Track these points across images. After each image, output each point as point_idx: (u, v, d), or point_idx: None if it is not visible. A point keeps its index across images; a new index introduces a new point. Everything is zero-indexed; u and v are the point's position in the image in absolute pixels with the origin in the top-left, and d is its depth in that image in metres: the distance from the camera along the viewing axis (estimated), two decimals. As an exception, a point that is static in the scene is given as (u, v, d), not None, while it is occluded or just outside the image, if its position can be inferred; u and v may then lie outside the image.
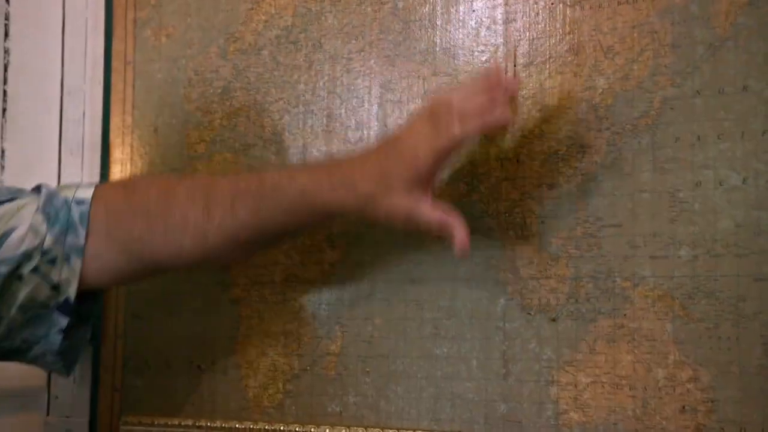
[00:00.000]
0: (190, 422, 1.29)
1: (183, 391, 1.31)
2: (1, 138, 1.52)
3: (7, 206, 1.03)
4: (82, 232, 1.02)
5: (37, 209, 1.03)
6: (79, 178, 1.44)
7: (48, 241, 1.02)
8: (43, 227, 1.02)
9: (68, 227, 1.03)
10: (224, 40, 1.34)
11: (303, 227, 1.13)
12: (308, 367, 1.23)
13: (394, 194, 1.00)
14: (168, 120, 1.37)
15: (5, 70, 1.53)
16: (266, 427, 1.24)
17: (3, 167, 1.52)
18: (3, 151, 1.52)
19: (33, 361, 1.09)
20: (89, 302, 1.10)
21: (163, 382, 1.32)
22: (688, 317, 1.03)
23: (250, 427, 1.25)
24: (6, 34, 1.53)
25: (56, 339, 1.06)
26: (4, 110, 1.52)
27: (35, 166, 1.49)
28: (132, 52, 1.40)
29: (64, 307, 1.04)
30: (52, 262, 1.02)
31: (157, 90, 1.38)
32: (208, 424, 1.27)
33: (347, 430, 1.18)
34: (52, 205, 1.04)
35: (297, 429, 1.22)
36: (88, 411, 1.37)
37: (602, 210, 1.08)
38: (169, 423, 1.30)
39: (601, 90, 1.09)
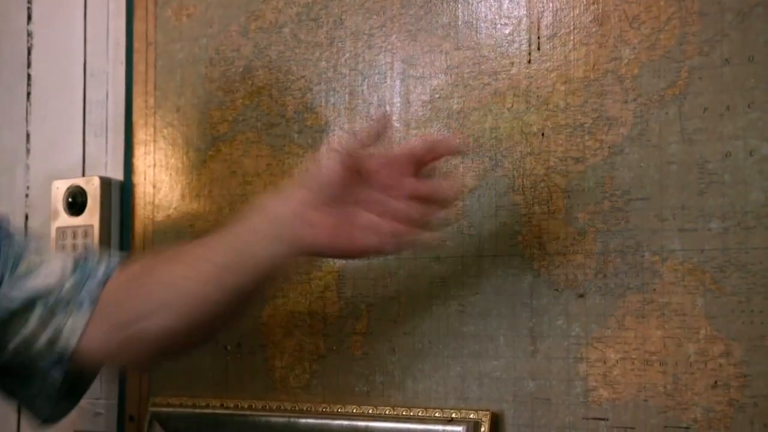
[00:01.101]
0: (217, 403, 1.28)
1: (210, 372, 1.31)
2: (26, 121, 1.53)
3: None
4: (98, 289, 1.00)
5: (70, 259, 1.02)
6: (104, 160, 1.45)
7: (68, 284, 0.99)
8: (68, 269, 1.00)
9: (89, 276, 1.00)
10: (245, 19, 1.32)
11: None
12: (334, 347, 1.22)
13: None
14: (190, 100, 1.36)
15: (29, 53, 1.53)
16: (293, 407, 1.23)
17: (29, 150, 1.52)
18: (28, 135, 1.52)
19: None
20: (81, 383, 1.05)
21: (191, 363, 1.32)
22: (720, 291, 1.00)
23: (277, 407, 1.24)
24: (29, 18, 1.53)
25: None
26: (29, 94, 1.53)
27: (60, 148, 1.49)
28: (153, 33, 1.39)
29: (59, 362, 0.99)
30: (66, 304, 0.98)
31: (178, 70, 1.37)
32: (235, 404, 1.27)
33: (374, 409, 1.17)
34: (83, 259, 1.03)
35: (324, 409, 1.21)
36: (117, 393, 1.38)
37: (629, 183, 1.06)
38: (197, 404, 1.30)
39: (626, 60, 1.06)
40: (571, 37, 1.10)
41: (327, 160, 0.93)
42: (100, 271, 1.01)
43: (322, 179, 0.94)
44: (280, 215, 0.94)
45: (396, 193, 0.93)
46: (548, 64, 1.11)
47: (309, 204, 0.93)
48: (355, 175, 0.93)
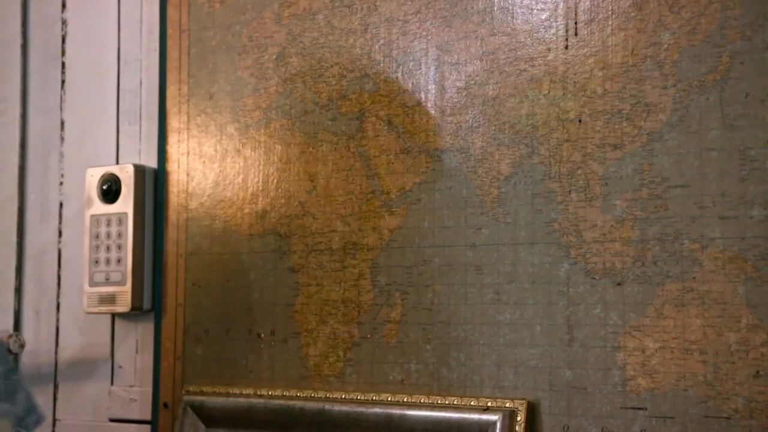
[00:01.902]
0: (250, 391, 1.28)
1: (243, 359, 1.31)
2: (61, 109, 1.53)
3: None
4: None
5: None
6: (137, 147, 1.45)
7: None
8: None
9: None
10: (278, 5, 1.32)
11: None
12: (368, 335, 1.22)
13: None
14: (223, 87, 1.36)
15: (63, 41, 1.53)
16: (327, 396, 1.23)
17: (63, 138, 1.53)
18: (63, 123, 1.53)
19: None
20: None
21: (223, 351, 1.32)
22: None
23: (310, 396, 1.24)
24: (63, 6, 1.54)
25: None
26: (63, 82, 1.53)
27: (94, 136, 1.49)
28: (187, 20, 1.39)
29: None
30: None
31: (212, 57, 1.37)
32: (269, 392, 1.27)
33: (409, 398, 1.17)
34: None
35: (358, 397, 1.20)
36: (152, 380, 1.38)
37: (668, 170, 1.04)
38: (230, 392, 1.30)
39: (666, 45, 1.05)
40: (610, 23, 1.08)
41: None
42: None
43: None
44: None
45: None
46: (586, 49, 1.10)
47: None
48: None
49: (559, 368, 1.09)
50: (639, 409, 1.04)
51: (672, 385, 1.02)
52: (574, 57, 1.10)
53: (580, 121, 1.10)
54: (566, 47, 1.11)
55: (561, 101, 1.11)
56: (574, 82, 1.10)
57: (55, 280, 1.50)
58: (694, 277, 1.02)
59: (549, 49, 1.12)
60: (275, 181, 1.30)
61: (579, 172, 1.09)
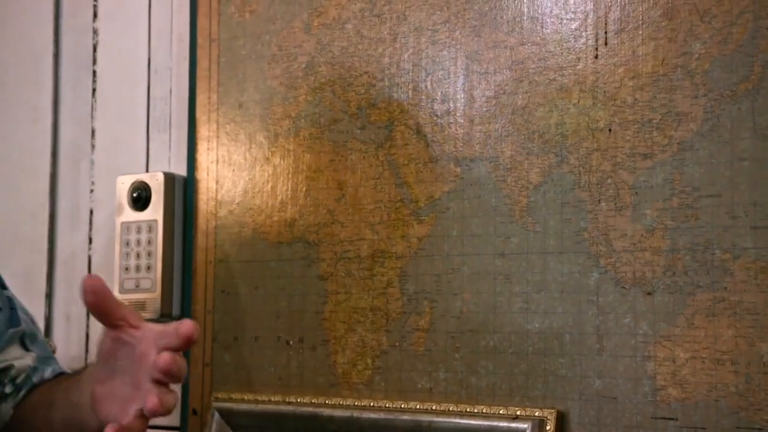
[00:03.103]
0: (279, 398, 1.29)
1: (271, 366, 1.31)
2: (92, 117, 1.54)
3: None
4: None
5: None
6: (167, 155, 1.46)
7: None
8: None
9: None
10: (308, 15, 1.33)
11: None
12: (397, 343, 1.22)
13: None
14: (253, 96, 1.37)
15: (94, 50, 1.55)
16: (355, 404, 1.23)
17: (93, 146, 1.54)
18: (93, 131, 1.54)
19: None
20: None
21: (252, 358, 1.33)
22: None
23: (339, 403, 1.24)
24: (95, 15, 1.55)
25: None
26: (94, 90, 1.55)
27: (124, 144, 1.51)
28: (217, 29, 1.40)
29: None
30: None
31: (241, 66, 1.38)
32: (298, 399, 1.27)
33: (437, 406, 1.17)
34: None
35: (386, 405, 1.21)
36: (180, 387, 1.39)
37: (699, 179, 1.04)
38: (259, 399, 1.30)
39: (697, 55, 1.05)
40: (640, 32, 1.08)
41: (101, 337, 0.92)
42: (36, 378, 1.12)
43: (100, 355, 0.92)
44: (89, 391, 0.94)
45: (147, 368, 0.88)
46: (616, 59, 1.10)
47: (96, 379, 0.92)
48: (126, 347, 0.89)
49: (588, 377, 1.09)
50: (670, 419, 1.04)
51: (703, 395, 1.02)
52: (604, 66, 1.10)
53: (610, 130, 1.10)
54: (596, 56, 1.11)
55: (591, 110, 1.11)
56: (604, 91, 1.10)
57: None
58: (725, 287, 1.02)
59: (579, 59, 1.12)
60: (304, 189, 1.31)
61: (609, 181, 1.09)
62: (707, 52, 1.04)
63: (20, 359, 1.12)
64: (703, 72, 1.04)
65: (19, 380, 1.12)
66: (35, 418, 1.08)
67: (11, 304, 1.14)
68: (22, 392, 1.12)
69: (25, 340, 1.13)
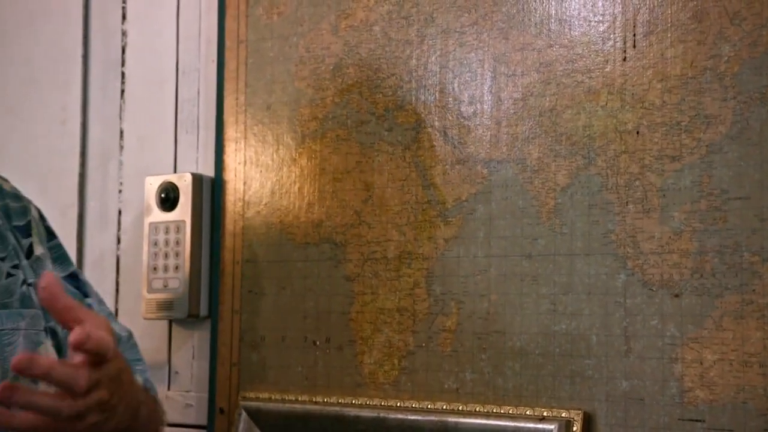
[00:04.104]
0: (306, 398, 1.30)
1: (298, 366, 1.32)
2: (120, 118, 1.56)
3: None
4: None
5: None
6: (195, 156, 1.47)
7: None
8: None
9: None
10: (335, 17, 1.34)
11: None
12: (424, 344, 1.23)
13: None
14: (280, 97, 1.38)
15: (123, 52, 1.56)
16: (382, 404, 1.24)
17: (122, 147, 1.55)
18: (122, 132, 1.56)
19: None
20: None
21: (279, 358, 1.34)
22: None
23: (365, 403, 1.25)
24: (124, 17, 1.57)
25: None
26: (123, 91, 1.56)
27: (152, 145, 1.52)
28: (245, 31, 1.41)
29: None
30: None
31: (269, 68, 1.39)
32: (324, 399, 1.28)
33: (464, 406, 1.18)
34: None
35: (413, 405, 1.21)
36: (208, 386, 1.40)
37: (728, 182, 1.04)
38: (286, 398, 1.31)
39: (726, 58, 1.05)
40: (669, 35, 1.09)
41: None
42: None
43: None
44: None
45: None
46: (644, 61, 1.10)
47: None
48: None
49: (615, 379, 1.09)
50: (697, 421, 1.04)
51: (731, 397, 1.02)
52: (632, 69, 1.11)
53: (638, 132, 1.10)
54: (624, 59, 1.11)
55: (619, 113, 1.11)
56: (632, 93, 1.10)
57: (114, 287, 1.53)
58: (753, 290, 1.02)
59: (607, 61, 1.12)
60: (331, 190, 1.32)
61: (636, 183, 1.10)
62: (737, 54, 1.04)
63: None
64: (732, 75, 1.04)
65: None
66: None
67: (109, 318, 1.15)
68: None
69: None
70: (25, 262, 1.08)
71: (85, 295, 1.14)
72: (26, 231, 1.11)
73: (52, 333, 1.07)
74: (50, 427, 0.82)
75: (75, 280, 1.14)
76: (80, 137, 1.58)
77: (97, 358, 0.83)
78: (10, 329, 1.00)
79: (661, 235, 1.08)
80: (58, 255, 1.14)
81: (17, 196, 1.12)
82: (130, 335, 1.16)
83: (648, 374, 1.07)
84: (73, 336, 0.80)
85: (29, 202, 1.14)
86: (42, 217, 1.15)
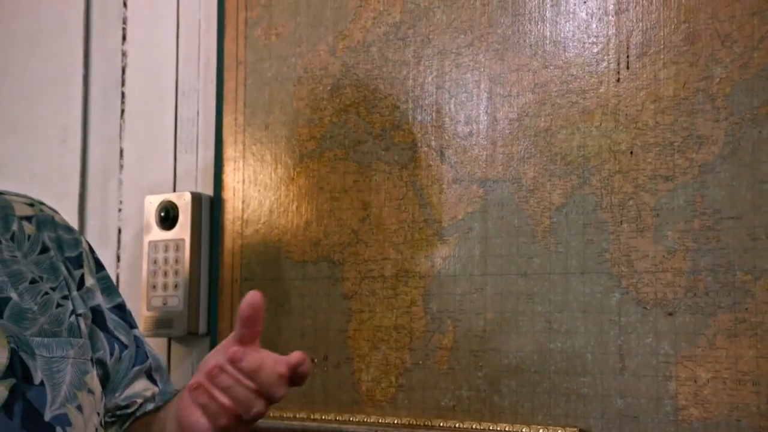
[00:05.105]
0: (304, 415, 1.31)
1: (297, 384, 1.33)
2: (120, 138, 1.57)
3: None
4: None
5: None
6: (194, 175, 1.48)
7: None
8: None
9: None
10: (333, 38, 1.35)
11: None
12: (420, 362, 1.24)
13: None
14: (279, 117, 1.39)
15: (123, 72, 1.58)
16: (379, 421, 1.25)
17: (122, 166, 1.57)
18: (122, 151, 1.57)
19: None
20: None
21: (277, 375, 1.35)
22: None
23: (363, 420, 1.26)
24: (124, 38, 1.58)
25: None
26: (123, 111, 1.57)
27: (152, 164, 1.53)
28: (243, 52, 1.43)
29: None
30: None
31: (267, 88, 1.40)
32: (322, 416, 1.29)
33: (460, 424, 1.19)
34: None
35: (410, 422, 1.22)
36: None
37: (720, 202, 1.05)
38: (284, 415, 1.32)
39: (718, 79, 1.07)
40: (661, 56, 1.10)
41: (216, 348, 0.96)
42: (150, 406, 1.14)
43: (205, 364, 0.96)
44: (178, 400, 1.00)
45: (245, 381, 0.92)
46: (637, 82, 1.11)
47: (189, 387, 0.96)
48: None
49: (610, 397, 1.10)
50: (691, 438, 1.05)
51: (725, 415, 1.03)
52: (625, 90, 1.12)
53: (631, 152, 1.11)
54: (618, 80, 1.13)
55: (613, 133, 1.13)
56: (626, 114, 1.12)
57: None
58: (746, 308, 1.03)
59: (601, 82, 1.14)
60: (329, 209, 1.33)
61: (630, 203, 1.11)
62: (728, 76, 1.06)
63: (145, 392, 1.15)
64: (724, 96, 1.06)
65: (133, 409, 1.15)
66: None
67: (137, 343, 1.17)
68: (128, 422, 1.15)
69: (153, 374, 1.16)
70: (75, 293, 1.11)
71: (131, 326, 1.16)
72: (78, 262, 1.13)
73: (99, 363, 1.10)
74: (232, 419, 0.90)
75: (121, 311, 1.17)
76: (80, 156, 1.60)
77: (296, 380, 0.92)
78: (60, 357, 1.03)
79: (655, 254, 1.09)
80: (106, 286, 1.17)
81: (68, 228, 1.15)
82: None
83: (642, 392, 1.08)
84: (297, 356, 0.91)
85: (80, 234, 1.17)
86: (91, 249, 1.17)
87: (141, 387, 1.14)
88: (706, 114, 1.07)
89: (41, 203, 1.16)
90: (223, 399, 0.90)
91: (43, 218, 1.13)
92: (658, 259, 1.09)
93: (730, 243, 1.04)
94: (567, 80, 1.16)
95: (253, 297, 0.92)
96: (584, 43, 1.16)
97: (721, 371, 1.04)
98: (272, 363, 0.91)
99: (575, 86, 1.16)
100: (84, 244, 1.16)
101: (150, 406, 1.15)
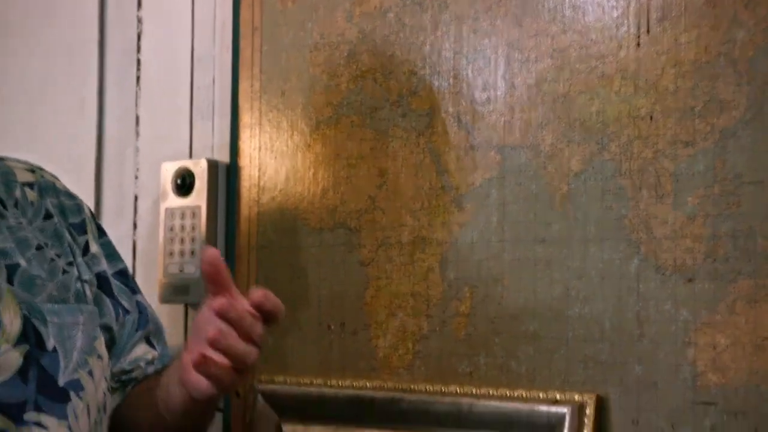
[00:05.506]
0: (321, 381, 1.31)
1: (313, 350, 1.33)
2: (136, 105, 1.57)
3: None
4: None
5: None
6: (210, 143, 1.48)
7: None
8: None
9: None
10: (350, 3, 1.34)
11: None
12: (437, 328, 1.24)
13: None
14: (295, 84, 1.38)
15: (138, 39, 1.57)
16: (396, 387, 1.25)
17: (138, 134, 1.57)
18: (138, 118, 1.57)
19: None
20: None
21: (294, 342, 1.35)
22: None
23: (380, 387, 1.26)
24: (139, 4, 1.57)
25: None
26: (138, 78, 1.57)
27: (168, 131, 1.53)
28: (259, 18, 1.42)
29: None
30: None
31: (283, 55, 1.40)
32: (339, 383, 1.30)
33: (477, 390, 1.19)
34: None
35: (427, 389, 1.22)
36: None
37: (742, 167, 1.04)
38: (301, 382, 1.32)
39: (740, 43, 1.05)
40: (682, 20, 1.09)
41: (200, 308, 0.98)
42: (151, 369, 1.16)
43: (196, 325, 0.97)
44: (177, 362, 1.01)
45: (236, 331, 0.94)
46: (658, 47, 1.10)
47: (186, 349, 0.97)
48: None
49: (628, 363, 1.10)
50: (710, 404, 1.04)
51: (744, 381, 1.03)
52: (646, 54, 1.11)
53: (651, 118, 1.10)
54: (638, 45, 1.12)
55: (632, 98, 1.12)
56: (646, 79, 1.11)
57: (131, 272, 1.54)
58: (767, 274, 1.02)
59: (620, 47, 1.13)
60: (345, 176, 1.33)
61: (650, 168, 1.10)
62: (751, 39, 1.04)
63: (146, 355, 1.16)
64: (746, 59, 1.05)
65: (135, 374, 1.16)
66: (139, 405, 1.14)
67: (140, 308, 1.18)
68: (129, 386, 1.16)
69: (151, 339, 1.17)
70: (80, 259, 1.11)
71: (133, 291, 1.17)
72: (82, 228, 1.14)
73: (105, 328, 1.10)
74: (233, 375, 0.93)
75: (124, 277, 1.18)
76: (97, 124, 1.60)
77: (269, 318, 0.96)
78: (70, 323, 1.04)
79: (674, 220, 1.08)
80: (109, 252, 1.18)
81: (70, 194, 1.15)
82: None
83: (661, 358, 1.08)
84: (257, 296, 0.95)
85: (81, 200, 1.17)
86: (93, 215, 1.17)
87: (142, 351, 1.15)
88: (727, 78, 1.06)
89: (41, 169, 1.16)
90: (225, 360, 0.92)
91: (45, 184, 1.13)
92: (677, 225, 1.08)
93: (751, 208, 1.03)
94: (586, 45, 1.15)
95: (209, 255, 0.94)
96: (604, 7, 1.14)
97: (740, 337, 1.03)
98: (246, 305, 0.94)
99: (594, 51, 1.14)
100: (86, 210, 1.16)
101: (151, 370, 1.15)
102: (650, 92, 1.10)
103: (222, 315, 0.92)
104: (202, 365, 0.91)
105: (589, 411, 1.10)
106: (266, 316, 0.95)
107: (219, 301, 0.93)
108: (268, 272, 1.38)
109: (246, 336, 0.93)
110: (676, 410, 1.06)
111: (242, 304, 0.94)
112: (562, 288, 1.15)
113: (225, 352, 0.92)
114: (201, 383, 0.92)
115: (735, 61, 1.05)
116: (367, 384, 1.27)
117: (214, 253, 0.94)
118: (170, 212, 1.45)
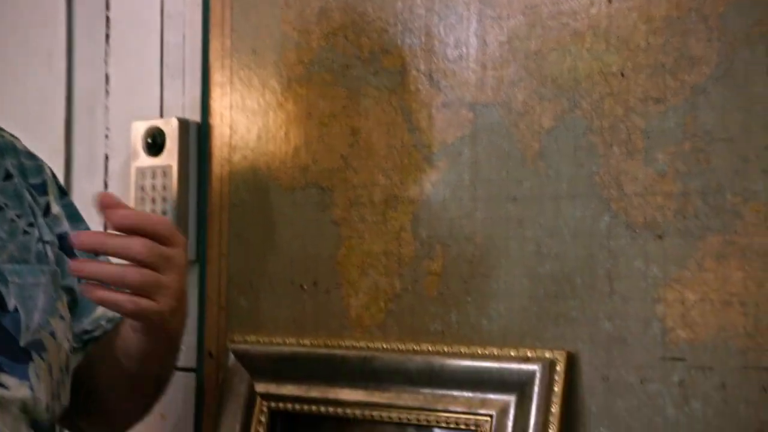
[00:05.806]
0: (293, 340, 1.31)
1: (286, 310, 1.33)
2: (105, 63, 1.55)
3: None
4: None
5: None
6: (181, 102, 1.47)
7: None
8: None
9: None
10: (321, -40, 1.32)
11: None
12: (409, 287, 1.24)
13: None
14: (266, 42, 1.37)
15: (108, -5, 1.55)
16: (368, 345, 1.25)
17: (108, 92, 1.55)
18: (107, 76, 1.55)
19: None
20: None
21: (267, 301, 1.35)
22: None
23: (352, 345, 1.26)
24: (108, -40, 1.55)
25: None
26: (108, 36, 1.55)
27: (138, 90, 1.52)
28: (229, -26, 1.40)
29: None
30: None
31: (254, 12, 1.38)
32: (312, 342, 1.30)
33: (449, 348, 1.19)
34: None
35: (399, 347, 1.23)
36: (196, 329, 1.41)
37: (712, 124, 1.04)
38: (274, 341, 1.32)
39: (711, -2, 1.05)
40: (654, -25, 1.08)
41: None
42: (110, 326, 1.17)
43: None
44: None
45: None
46: (629, 3, 1.09)
47: None
48: None
49: (599, 320, 1.10)
50: (678, 359, 1.05)
51: (712, 336, 1.03)
52: (617, 11, 1.10)
53: (622, 74, 1.10)
54: (609, 1, 1.11)
55: (604, 55, 1.11)
56: (617, 36, 1.10)
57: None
58: (735, 231, 1.02)
59: (592, 3, 1.12)
60: (317, 134, 1.32)
61: (621, 125, 1.10)
62: (722, -5, 1.04)
63: (107, 314, 1.16)
64: (717, 15, 1.04)
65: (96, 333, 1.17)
66: (97, 359, 1.15)
67: None
68: (90, 345, 1.16)
69: None
70: (41, 220, 1.10)
71: (96, 253, 1.15)
72: (43, 189, 1.12)
73: (67, 290, 1.10)
74: (132, 302, 0.94)
75: None
76: (65, 82, 1.58)
77: (155, 236, 0.95)
78: (31, 284, 1.03)
79: (644, 177, 1.08)
80: (71, 213, 1.17)
81: (31, 154, 1.14)
82: None
83: (631, 315, 1.08)
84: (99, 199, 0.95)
85: (42, 161, 1.15)
86: (54, 176, 1.16)
87: (103, 310, 1.15)
88: (698, 34, 1.05)
89: (2, 129, 1.15)
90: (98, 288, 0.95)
91: (4, 145, 1.12)
92: (648, 182, 1.08)
93: (721, 165, 1.03)
94: (558, 2, 1.14)
95: (102, 198, 0.96)
96: (576, -38, 1.13)
97: (708, 293, 1.04)
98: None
99: (566, 8, 1.14)
100: (47, 171, 1.15)
101: (110, 326, 1.15)
102: (621, 49, 1.10)
103: (83, 249, 0.97)
104: (86, 293, 0.95)
105: (560, 368, 1.11)
106: (147, 234, 0.95)
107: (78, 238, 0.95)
108: (239, 231, 1.38)
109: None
110: (645, 366, 1.07)
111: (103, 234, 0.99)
112: (534, 245, 1.15)
113: (94, 278, 0.95)
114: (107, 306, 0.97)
115: (706, 17, 1.05)
116: (340, 343, 1.27)
117: (105, 194, 0.97)
118: (141, 171, 1.44)
